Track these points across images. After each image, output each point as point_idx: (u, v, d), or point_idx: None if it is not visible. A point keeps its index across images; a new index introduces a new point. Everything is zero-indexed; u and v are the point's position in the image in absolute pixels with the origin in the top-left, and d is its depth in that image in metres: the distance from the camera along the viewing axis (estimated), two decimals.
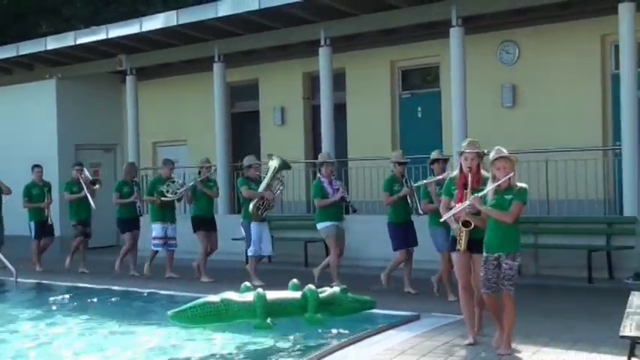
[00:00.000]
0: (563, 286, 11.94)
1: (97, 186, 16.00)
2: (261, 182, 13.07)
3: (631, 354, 6.14)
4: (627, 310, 6.87)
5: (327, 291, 9.25)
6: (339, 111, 16.86)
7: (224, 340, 9.02)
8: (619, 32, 12.53)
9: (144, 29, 17.56)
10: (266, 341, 8.87)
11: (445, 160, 11.27)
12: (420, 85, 17.24)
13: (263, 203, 12.93)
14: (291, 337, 8.86)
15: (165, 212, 14.33)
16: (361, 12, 15.44)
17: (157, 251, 14.48)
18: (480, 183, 7.61)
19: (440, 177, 10.38)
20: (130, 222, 15.04)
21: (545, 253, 13.09)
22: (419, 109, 16.77)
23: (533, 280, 12.33)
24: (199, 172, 14.29)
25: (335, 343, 8.30)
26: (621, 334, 6.05)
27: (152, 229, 14.41)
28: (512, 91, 15.22)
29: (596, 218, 13.21)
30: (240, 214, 13.31)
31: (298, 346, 8.56)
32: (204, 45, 17.83)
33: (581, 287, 11.81)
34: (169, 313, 8.93)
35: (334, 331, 9.00)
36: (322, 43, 15.92)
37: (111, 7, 28.57)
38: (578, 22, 14.34)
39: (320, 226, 12.30)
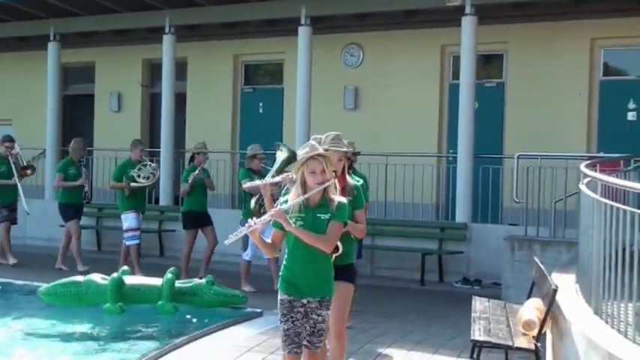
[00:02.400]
0: (397, 287, 12.24)
1: (29, 171, 13.95)
2: (265, 175, 10.92)
3: (478, 357, 6.33)
4: (473, 314, 7.09)
5: (192, 281, 9.18)
6: (179, 101, 16.56)
7: (60, 323, 8.81)
8: (461, 44, 12.94)
9: None
10: (107, 327, 8.74)
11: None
12: (262, 80, 17.21)
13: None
14: (125, 327, 8.71)
15: (137, 200, 12.33)
16: (208, 3, 15.24)
17: (138, 244, 12.24)
18: (347, 193, 5.82)
19: (278, 179, 7.09)
20: (75, 209, 13.07)
21: (381, 254, 13.36)
22: (260, 104, 16.73)
23: (370, 281, 12.56)
24: (192, 159, 12.27)
25: (174, 334, 8.22)
26: (472, 338, 6.22)
27: (123, 220, 12.26)
28: (354, 94, 15.47)
29: (431, 223, 13.63)
30: (241, 211, 11.17)
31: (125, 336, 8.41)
32: (40, 23, 17.04)
33: (414, 289, 12.15)
34: (40, 289, 9.09)
35: (180, 322, 8.94)
36: (167, 30, 15.60)
37: None
38: (421, 31, 14.74)
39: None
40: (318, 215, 5.22)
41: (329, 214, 5.22)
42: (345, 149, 5.94)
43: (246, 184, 7.13)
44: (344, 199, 5.40)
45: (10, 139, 13.69)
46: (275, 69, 16.94)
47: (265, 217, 5.20)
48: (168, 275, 9.14)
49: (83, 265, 12.67)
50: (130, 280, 9.20)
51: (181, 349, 7.61)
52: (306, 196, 5.16)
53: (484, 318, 6.95)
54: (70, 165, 13.08)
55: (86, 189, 13.23)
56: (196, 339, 7.98)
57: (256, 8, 14.89)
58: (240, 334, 8.34)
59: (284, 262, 5.32)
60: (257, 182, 7.05)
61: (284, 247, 5.43)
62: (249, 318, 9.15)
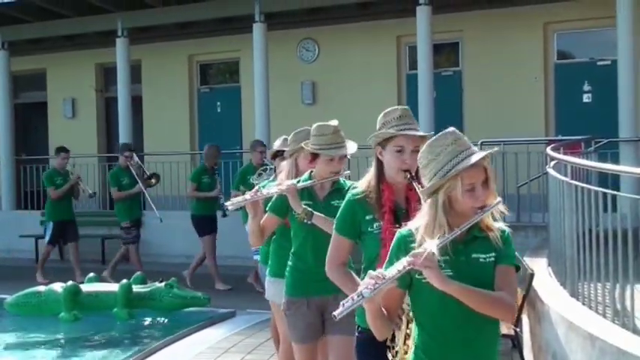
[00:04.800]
0: None
1: (154, 181, 12.50)
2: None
3: None
4: None
5: (151, 286, 9.10)
6: (135, 104, 16.36)
7: (19, 334, 8.82)
8: (417, 34, 12.96)
9: None
10: (67, 335, 8.68)
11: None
12: (219, 80, 17.12)
13: None
14: (93, 334, 8.63)
15: None
16: (159, 4, 15.12)
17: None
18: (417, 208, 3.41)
19: (273, 189, 4.86)
20: (210, 222, 11.56)
21: None
22: (218, 104, 16.63)
23: None
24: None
25: (146, 340, 8.16)
26: None
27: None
28: (312, 89, 15.45)
29: None
30: None
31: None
32: None
33: None
34: (6, 300, 9.03)
35: (145, 327, 8.91)
36: (119, 33, 15.40)
37: None
38: (376, 22, 14.75)
39: None
40: (475, 256, 3.03)
41: (493, 253, 3.05)
42: (421, 133, 3.73)
43: (229, 202, 4.80)
44: (504, 226, 3.16)
45: (129, 149, 12.44)
46: (231, 68, 16.85)
47: (400, 267, 2.88)
48: (124, 281, 9.11)
49: (224, 284, 11.39)
50: (88, 287, 9.13)
51: (158, 353, 7.54)
52: (463, 228, 2.98)
53: None
54: (204, 173, 11.58)
55: (222, 200, 11.23)
56: (171, 342, 7.92)
57: (209, 8, 14.79)
58: (214, 336, 8.28)
59: (415, 341, 3.15)
60: (238, 198, 4.84)
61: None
62: (223, 319, 9.09)
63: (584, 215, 5.90)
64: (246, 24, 14.36)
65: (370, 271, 2.90)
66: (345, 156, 4.72)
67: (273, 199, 4.82)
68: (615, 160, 11.21)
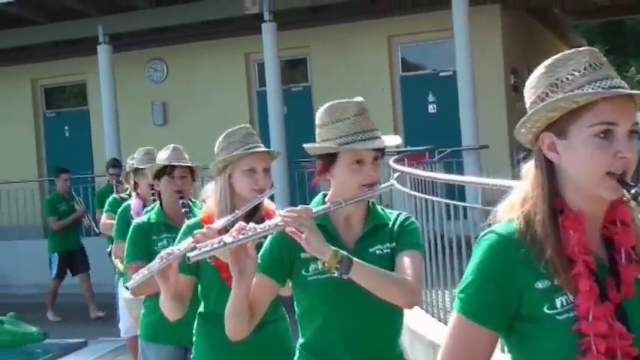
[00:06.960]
0: None
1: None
2: None
3: None
4: None
5: None
6: None
7: None
8: (264, 51, 13.00)
9: None
10: None
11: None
12: (66, 103, 16.70)
13: None
14: None
15: None
16: None
17: None
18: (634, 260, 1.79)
19: (271, 223, 2.64)
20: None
21: None
22: (66, 128, 16.20)
23: None
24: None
25: None
26: None
27: None
28: (162, 109, 15.26)
29: None
30: None
31: None
32: None
33: None
34: None
35: None
36: None
37: None
38: (224, 40, 14.70)
39: None
40: None
41: None
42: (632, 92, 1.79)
43: (194, 253, 2.56)
44: None
45: (116, 164, 10.32)
46: (78, 90, 16.45)
47: None
48: None
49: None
50: None
51: None
52: None
53: None
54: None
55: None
56: None
57: (50, 30, 14.42)
58: None
59: None
60: (206, 243, 2.59)
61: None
62: (74, 349, 8.82)
63: (428, 223, 6.06)
64: (91, 45, 14.03)
65: None
66: (383, 152, 2.80)
67: (263, 249, 2.71)
68: (460, 168, 11.58)
